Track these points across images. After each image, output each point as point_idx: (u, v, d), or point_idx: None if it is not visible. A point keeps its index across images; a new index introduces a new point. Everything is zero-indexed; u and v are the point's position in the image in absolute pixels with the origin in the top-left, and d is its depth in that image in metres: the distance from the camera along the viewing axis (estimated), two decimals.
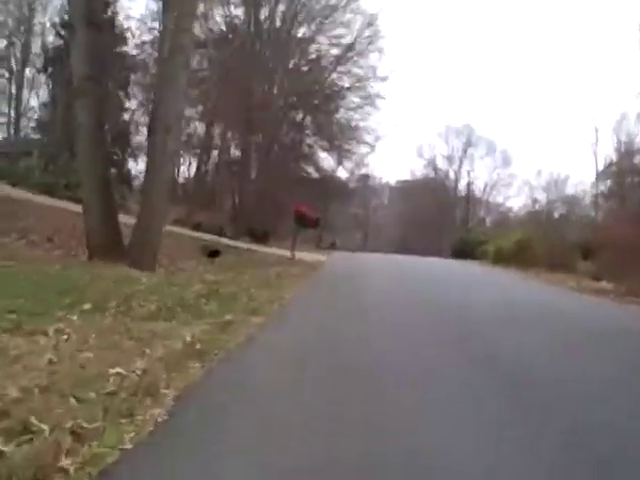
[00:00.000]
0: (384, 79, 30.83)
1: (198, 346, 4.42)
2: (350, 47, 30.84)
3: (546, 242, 22.15)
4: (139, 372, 3.51)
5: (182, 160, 37.66)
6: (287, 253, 16.39)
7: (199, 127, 35.83)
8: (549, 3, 70.99)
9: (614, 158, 35.14)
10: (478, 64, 72.68)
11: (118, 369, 3.50)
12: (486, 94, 74.38)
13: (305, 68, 36.21)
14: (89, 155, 10.08)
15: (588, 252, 22.80)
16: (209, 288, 7.75)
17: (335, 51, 32.06)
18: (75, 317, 5.11)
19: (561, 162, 69.69)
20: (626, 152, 34.42)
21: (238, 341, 4.82)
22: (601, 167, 36.92)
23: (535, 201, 36.45)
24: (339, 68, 31.73)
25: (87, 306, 5.78)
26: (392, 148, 49.59)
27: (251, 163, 33.42)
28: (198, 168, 34.42)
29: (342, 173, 39.15)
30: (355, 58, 31.06)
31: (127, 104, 32.06)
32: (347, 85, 32.56)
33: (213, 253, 14.63)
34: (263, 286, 8.90)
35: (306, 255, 16.73)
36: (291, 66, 35.64)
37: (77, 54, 10.12)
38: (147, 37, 25.58)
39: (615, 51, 64.89)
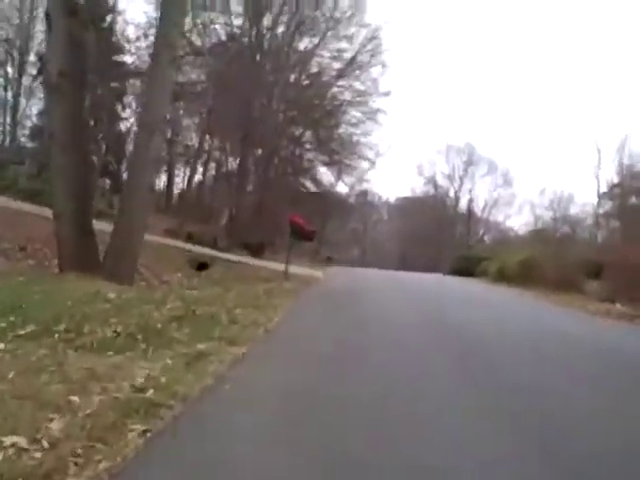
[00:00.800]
0: (387, 94, 29.97)
1: (150, 393, 3.31)
2: (352, 60, 30.06)
3: (553, 261, 21.06)
4: (45, 444, 2.40)
5: (177, 171, 36.75)
6: (282, 267, 15.33)
7: (195, 138, 35.12)
8: (551, 22, 70.81)
9: (616, 179, 34.35)
10: (480, 83, 72.35)
11: (15, 438, 2.40)
12: (487, 113, 73.90)
13: (306, 82, 35.47)
14: (61, 158, 9.03)
15: (596, 272, 21.78)
16: (186, 307, 6.64)
17: (337, 65, 31.27)
18: (2, 345, 4.01)
19: (563, 182, 68.74)
20: (629, 174, 33.65)
21: (204, 384, 3.70)
22: (603, 188, 36.18)
23: (538, 219, 35.44)
24: (340, 82, 30.89)
25: (29, 329, 4.68)
26: (392, 165, 48.78)
27: (249, 176, 32.46)
28: (190, 180, 33.47)
29: (342, 188, 38.26)
30: (357, 72, 30.25)
31: (123, 114, 31.26)
32: (348, 99, 31.65)
33: (202, 266, 13.57)
34: (249, 305, 7.79)
35: (301, 270, 15.61)
36: (292, 80, 34.92)
37: (53, 46, 9.13)
38: (144, 44, 24.67)
39: (619, 71, 64.52)
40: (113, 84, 27.78)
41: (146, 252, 13.48)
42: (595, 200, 36.38)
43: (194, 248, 15.70)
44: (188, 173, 35.69)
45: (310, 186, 36.11)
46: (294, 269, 14.70)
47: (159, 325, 5.35)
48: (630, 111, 58.90)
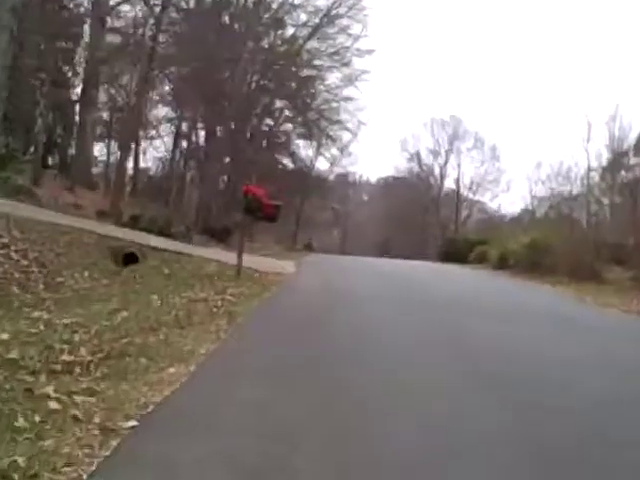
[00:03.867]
0: (369, 52, 25.68)
1: None
2: (327, 13, 25.61)
3: (568, 244, 17.41)
4: None
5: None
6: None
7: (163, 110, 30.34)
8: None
9: (606, 153, 30.86)
10: (466, 54, 67.08)
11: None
12: (473, 86, 68.66)
13: (281, 48, 30.95)
14: None
15: (614, 256, 18.25)
16: None
17: (313, 21, 26.85)
18: None
19: (552, 157, 63.54)
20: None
21: None
22: (593, 163, 32.72)
23: (534, 197, 31.80)
24: (317, 37, 26.46)
25: None
26: (374, 144, 44.37)
27: (217, 151, 28.01)
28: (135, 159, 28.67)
29: (322, 164, 34.12)
30: (334, 28, 25.87)
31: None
32: (327, 63, 27.31)
33: (129, 259, 9.46)
34: (141, 340, 3.78)
35: (266, 262, 11.57)
36: (265, 45, 30.44)
37: None
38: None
39: (609, 43, 61.09)
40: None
41: (49, 240, 9.28)
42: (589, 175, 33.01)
43: (129, 235, 11.52)
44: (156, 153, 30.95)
45: (287, 163, 31.93)
46: (257, 261, 10.72)
47: None
48: (620, 83, 55.14)
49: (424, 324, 6.31)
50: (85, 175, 15.20)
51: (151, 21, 24.35)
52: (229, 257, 10.46)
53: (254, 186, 9.10)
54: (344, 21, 24.94)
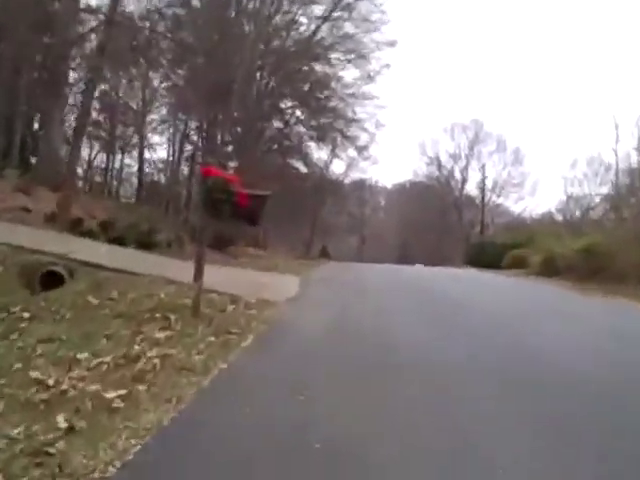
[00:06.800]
0: (392, 44, 22.14)
1: None
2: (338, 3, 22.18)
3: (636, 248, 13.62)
4: None
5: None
6: (234, 274, 7.97)
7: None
8: None
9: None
10: (485, 57, 62.93)
11: None
12: (494, 90, 64.07)
13: (293, 49, 27.68)
14: None
15: None
16: None
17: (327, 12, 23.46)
18: None
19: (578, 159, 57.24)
20: None
21: None
22: (621, 165, 28.56)
23: (570, 197, 27.81)
24: (331, 23, 23.05)
25: None
26: (389, 150, 40.59)
27: (224, 154, 24.76)
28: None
29: (337, 168, 30.66)
30: (349, 16, 22.46)
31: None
32: (342, 56, 23.86)
33: (51, 279, 6.20)
34: None
35: (261, 280, 8.03)
36: (275, 45, 27.28)
37: None
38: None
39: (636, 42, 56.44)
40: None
41: None
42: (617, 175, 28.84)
43: (73, 246, 8.22)
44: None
45: (300, 167, 28.57)
46: (248, 280, 7.34)
47: None
48: None
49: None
50: (51, 175, 12.11)
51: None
52: (210, 274, 7.04)
53: (219, 169, 5.63)
54: (362, 7, 21.36)
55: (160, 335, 4.25)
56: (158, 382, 3.01)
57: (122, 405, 2.62)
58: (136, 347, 3.78)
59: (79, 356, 3.54)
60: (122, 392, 2.73)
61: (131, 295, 5.70)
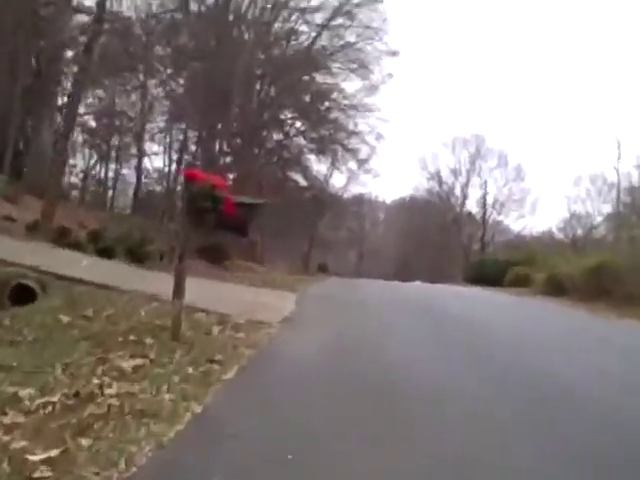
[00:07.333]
0: (394, 54, 21.77)
1: None
2: (339, 9, 21.81)
3: None
4: None
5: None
6: (242, 291, 7.32)
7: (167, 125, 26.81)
8: (563, 12, 62.25)
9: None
10: (486, 72, 62.58)
11: None
12: (495, 105, 63.71)
13: (293, 58, 27.31)
14: None
15: None
16: None
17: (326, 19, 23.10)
18: None
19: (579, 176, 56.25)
20: None
21: None
22: (623, 183, 28.07)
23: (573, 215, 27.31)
24: (330, 31, 22.66)
25: None
26: (388, 165, 39.95)
27: (222, 166, 24.23)
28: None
29: (337, 181, 30.10)
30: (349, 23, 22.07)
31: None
32: (343, 65, 23.51)
33: (19, 295, 5.56)
34: None
35: (254, 297, 7.34)
36: (275, 54, 26.95)
37: None
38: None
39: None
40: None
41: None
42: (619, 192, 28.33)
43: (53, 257, 7.58)
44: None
45: (299, 179, 28.03)
46: (239, 297, 6.68)
47: None
48: None
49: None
50: (40, 182, 11.52)
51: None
52: (201, 289, 6.39)
53: (203, 173, 4.98)
54: (363, 15, 21.03)
55: (128, 364, 3.58)
56: (107, 434, 2.33)
57: (48, 475, 1.93)
58: (95, 381, 3.10)
59: (22, 393, 2.87)
60: (54, 452, 2.06)
61: (107, 313, 5.04)
